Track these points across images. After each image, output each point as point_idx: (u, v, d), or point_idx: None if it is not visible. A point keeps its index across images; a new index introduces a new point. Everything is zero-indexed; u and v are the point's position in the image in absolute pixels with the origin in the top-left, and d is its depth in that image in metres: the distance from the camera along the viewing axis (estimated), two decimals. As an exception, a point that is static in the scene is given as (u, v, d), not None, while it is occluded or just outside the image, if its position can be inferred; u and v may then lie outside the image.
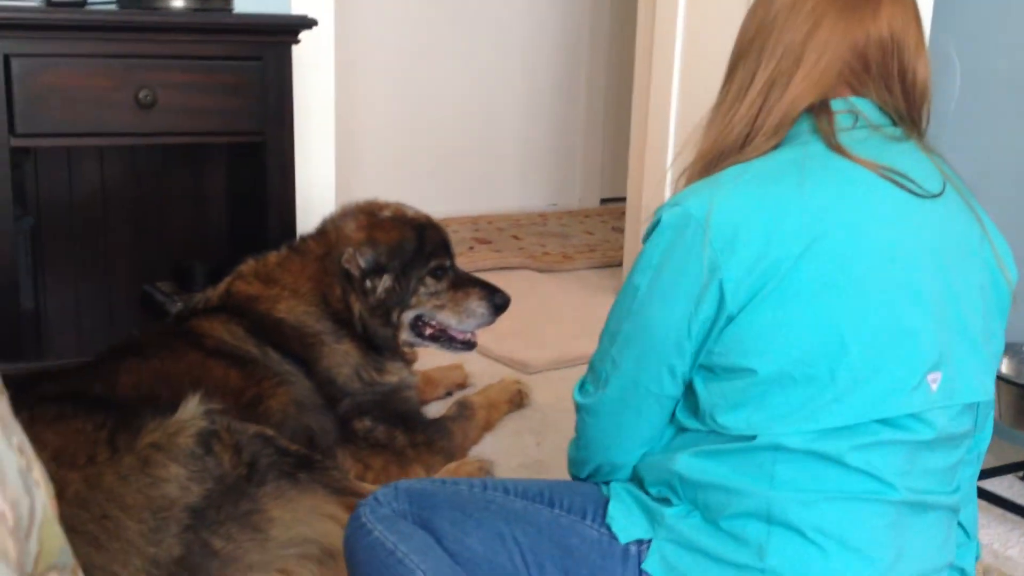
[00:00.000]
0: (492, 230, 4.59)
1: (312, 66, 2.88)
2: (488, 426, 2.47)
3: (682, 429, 1.38)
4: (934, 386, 1.26)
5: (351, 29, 4.18)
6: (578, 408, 1.49)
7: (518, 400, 2.61)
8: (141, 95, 2.32)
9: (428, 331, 2.36)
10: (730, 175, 1.32)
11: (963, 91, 1.80)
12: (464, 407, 2.42)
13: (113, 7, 2.47)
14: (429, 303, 2.32)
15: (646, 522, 1.36)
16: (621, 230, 4.29)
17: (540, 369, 2.91)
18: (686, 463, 1.32)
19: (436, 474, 2.19)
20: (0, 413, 0.48)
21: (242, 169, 2.80)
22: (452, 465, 2.21)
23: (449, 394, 2.69)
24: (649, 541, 1.34)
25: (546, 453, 2.38)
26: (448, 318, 2.34)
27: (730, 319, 1.26)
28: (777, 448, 1.26)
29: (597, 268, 4.07)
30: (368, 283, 2.25)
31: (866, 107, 1.35)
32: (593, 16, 5.09)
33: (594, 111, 5.18)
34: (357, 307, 2.25)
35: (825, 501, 1.26)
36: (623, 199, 4.11)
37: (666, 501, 1.36)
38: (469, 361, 2.77)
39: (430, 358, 2.68)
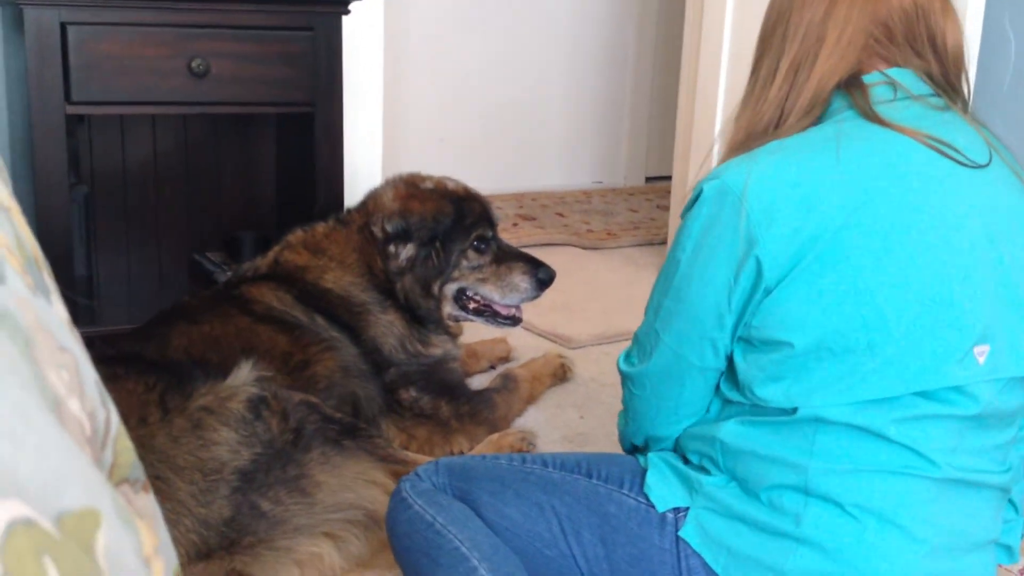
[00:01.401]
0: (536, 207, 4.59)
1: (361, 38, 2.89)
2: (531, 399, 2.48)
3: (727, 402, 1.38)
4: (981, 359, 1.25)
5: (399, 3, 4.19)
6: (623, 378, 1.50)
7: (561, 374, 2.62)
8: (194, 64, 2.35)
9: (472, 305, 2.36)
10: (767, 149, 1.32)
11: (1018, 64, 1.77)
12: (508, 379, 2.43)
13: (167, -23, 2.49)
14: (472, 276, 2.32)
15: (683, 491, 1.37)
16: (666, 208, 4.27)
17: (583, 344, 2.92)
18: (729, 431, 1.33)
19: (479, 445, 2.21)
20: (79, 337, 0.49)
21: (291, 140, 2.83)
22: (495, 436, 2.22)
23: (492, 367, 2.70)
24: (686, 509, 1.36)
25: (589, 426, 2.39)
26: (491, 292, 2.33)
27: (767, 292, 1.26)
28: (818, 420, 1.26)
29: (641, 245, 4.06)
30: (391, 248, 2.26)
31: (905, 77, 1.33)
32: (641, -7, 5.05)
33: (640, 89, 5.16)
34: (397, 277, 2.26)
35: (864, 474, 1.25)
36: (668, 178, 4.08)
37: (705, 470, 1.37)
38: (512, 335, 2.78)
39: (474, 332, 2.69)
